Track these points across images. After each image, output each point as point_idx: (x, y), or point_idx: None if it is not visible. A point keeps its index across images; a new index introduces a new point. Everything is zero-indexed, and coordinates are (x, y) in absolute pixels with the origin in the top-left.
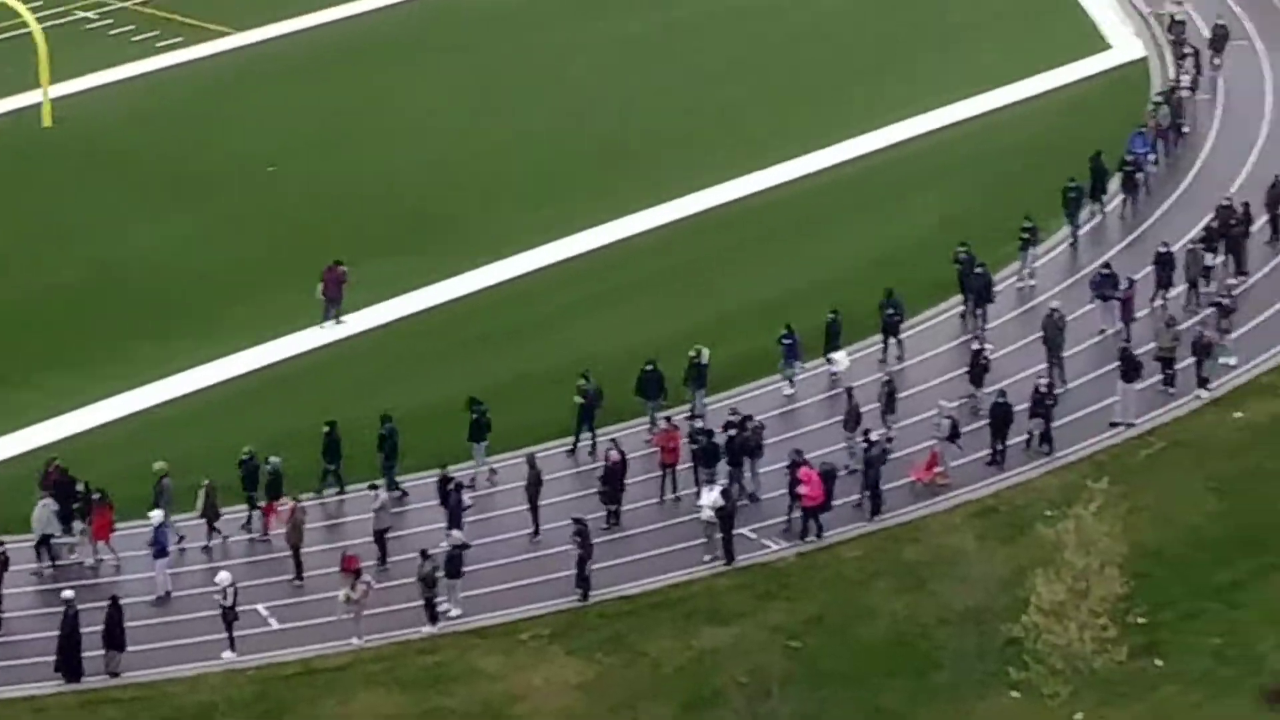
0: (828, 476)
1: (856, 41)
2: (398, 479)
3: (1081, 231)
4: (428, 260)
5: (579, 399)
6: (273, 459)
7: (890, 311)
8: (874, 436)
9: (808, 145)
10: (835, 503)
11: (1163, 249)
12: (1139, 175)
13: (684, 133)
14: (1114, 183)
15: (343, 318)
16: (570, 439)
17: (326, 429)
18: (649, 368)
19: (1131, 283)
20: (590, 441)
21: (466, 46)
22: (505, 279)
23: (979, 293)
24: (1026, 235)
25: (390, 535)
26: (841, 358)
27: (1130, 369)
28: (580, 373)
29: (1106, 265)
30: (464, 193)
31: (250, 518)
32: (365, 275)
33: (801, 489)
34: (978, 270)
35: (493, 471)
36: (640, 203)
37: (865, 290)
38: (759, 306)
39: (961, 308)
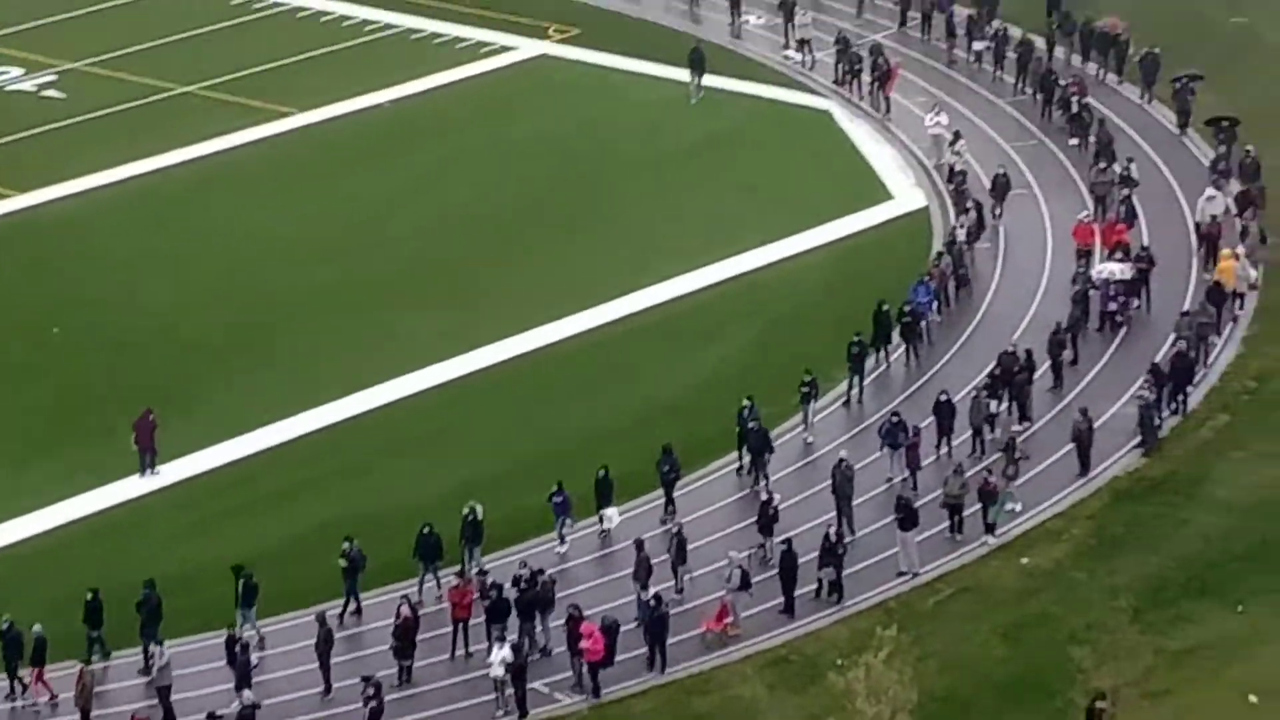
0: (609, 631)
1: (639, 190)
2: (161, 639)
3: (866, 382)
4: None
5: (343, 562)
6: (35, 627)
7: (667, 469)
8: (657, 591)
9: (584, 301)
10: (627, 655)
11: (943, 397)
12: (921, 325)
13: (448, 291)
14: (896, 333)
15: (157, 467)
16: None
17: (90, 595)
18: (426, 530)
19: (916, 430)
20: (356, 606)
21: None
22: (290, 437)
23: (757, 447)
24: (807, 389)
25: (176, 696)
26: (612, 514)
27: (908, 518)
28: (345, 536)
29: (896, 414)
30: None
31: (13, 687)
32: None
33: (584, 644)
34: (751, 426)
35: (261, 638)
36: (409, 365)
37: (644, 444)
38: (530, 464)
39: (739, 462)
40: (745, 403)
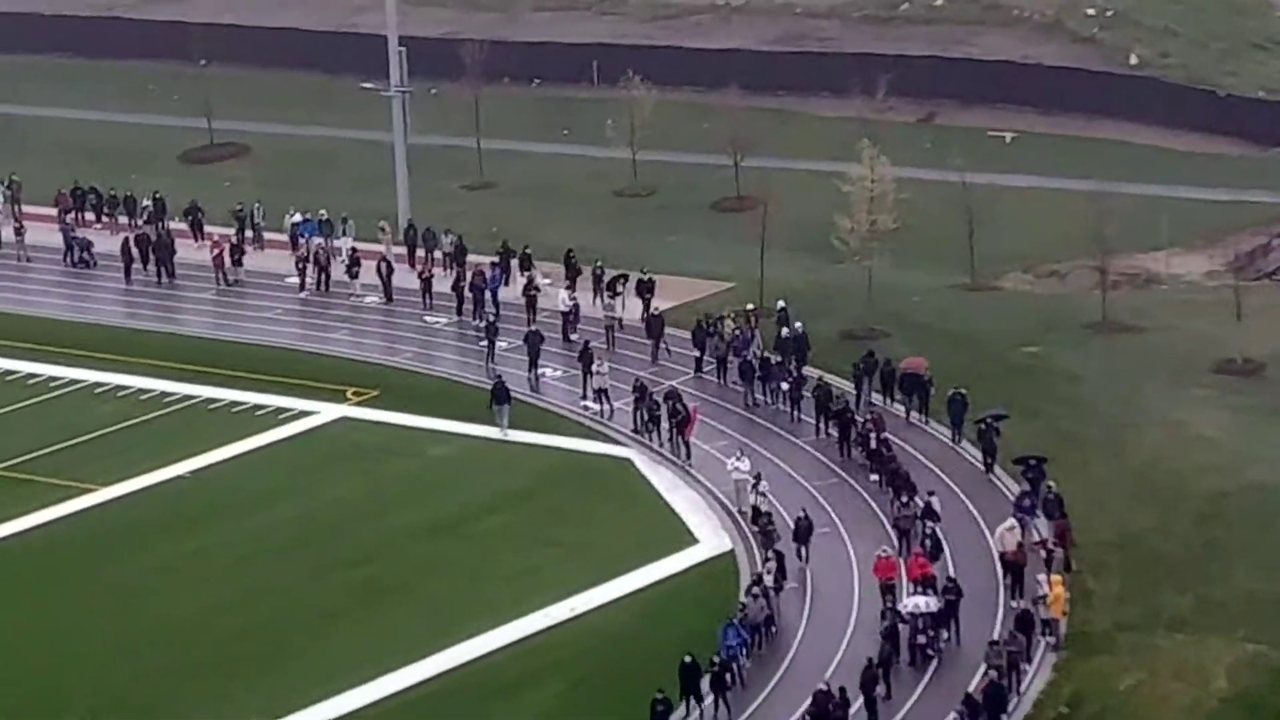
0: None
1: (443, 549)
2: None
3: None
4: None
5: None
6: None
7: None
8: None
9: (387, 665)
10: None
11: None
12: (729, 672)
13: (257, 662)
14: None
15: None
16: None
17: None
18: None
19: None
20: None
21: None
22: None
23: None
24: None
25: None
26: None
27: None
28: None
29: None
30: None
31: None
32: None
33: None
34: None
35: None
36: None
37: None
38: None
39: None
40: None
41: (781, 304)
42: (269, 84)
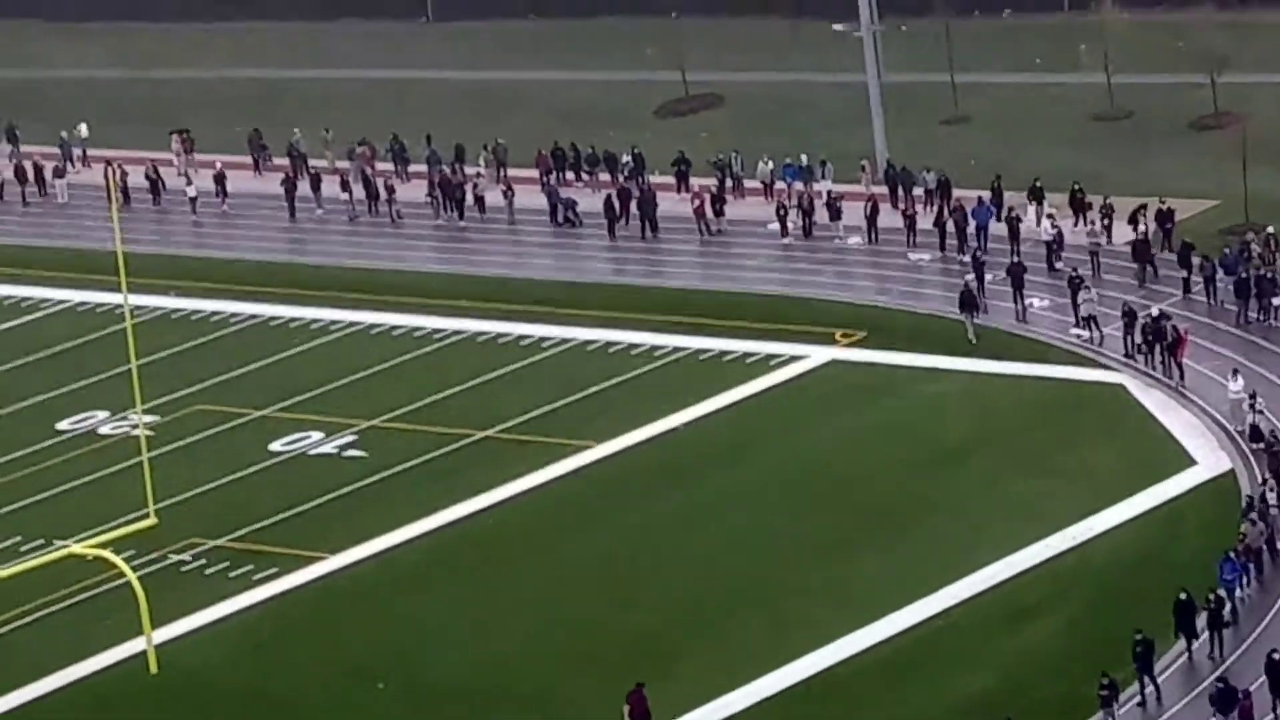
0: None
1: (940, 484)
2: None
3: (1162, 679)
4: None
5: None
6: None
7: None
8: None
9: (897, 601)
10: None
11: (1276, 655)
12: (1226, 608)
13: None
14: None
15: None
16: None
17: None
18: None
19: (1247, 693)
20: None
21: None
22: None
23: None
24: (1106, 691)
25: None
26: None
27: None
28: None
29: (1223, 679)
30: None
31: None
32: None
33: None
34: None
35: None
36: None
37: None
38: None
39: None
40: None
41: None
42: (738, 32)
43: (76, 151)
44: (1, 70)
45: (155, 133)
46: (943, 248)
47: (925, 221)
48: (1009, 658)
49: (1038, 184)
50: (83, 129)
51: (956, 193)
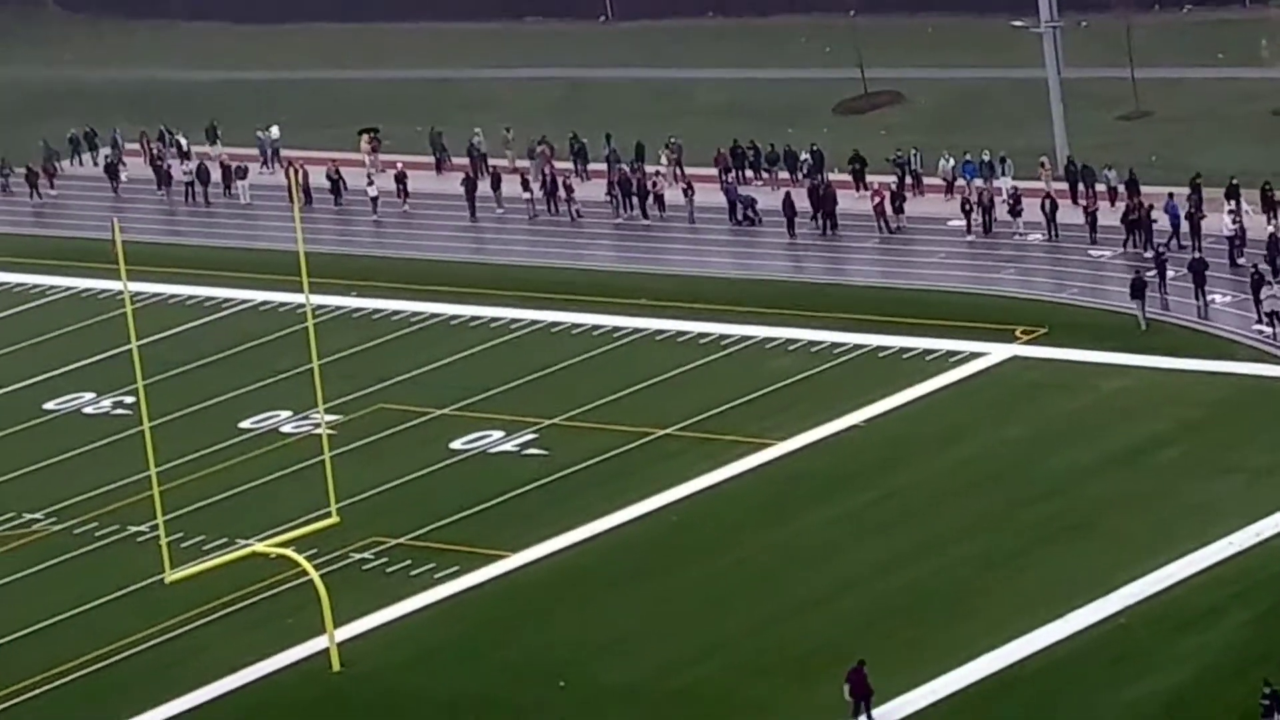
0: None
1: (1120, 483)
2: None
3: None
4: None
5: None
6: None
7: None
8: None
9: (1073, 602)
10: None
11: None
12: None
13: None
14: None
15: None
16: None
17: None
18: None
19: None
20: None
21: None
22: None
23: None
24: (1268, 701)
25: None
26: None
27: None
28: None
29: None
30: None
31: None
32: None
33: None
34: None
35: None
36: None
37: None
38: None
39: None
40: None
41: None
42: (916, 29)
43: (269, 152)
44: (195, 72)
45: (343, 134)
46: (1135, 244)
47: (1106, 218)
48: (1190, 658)
49: (1234, 181)
50: (274, 130)
51: (1147, 189)
